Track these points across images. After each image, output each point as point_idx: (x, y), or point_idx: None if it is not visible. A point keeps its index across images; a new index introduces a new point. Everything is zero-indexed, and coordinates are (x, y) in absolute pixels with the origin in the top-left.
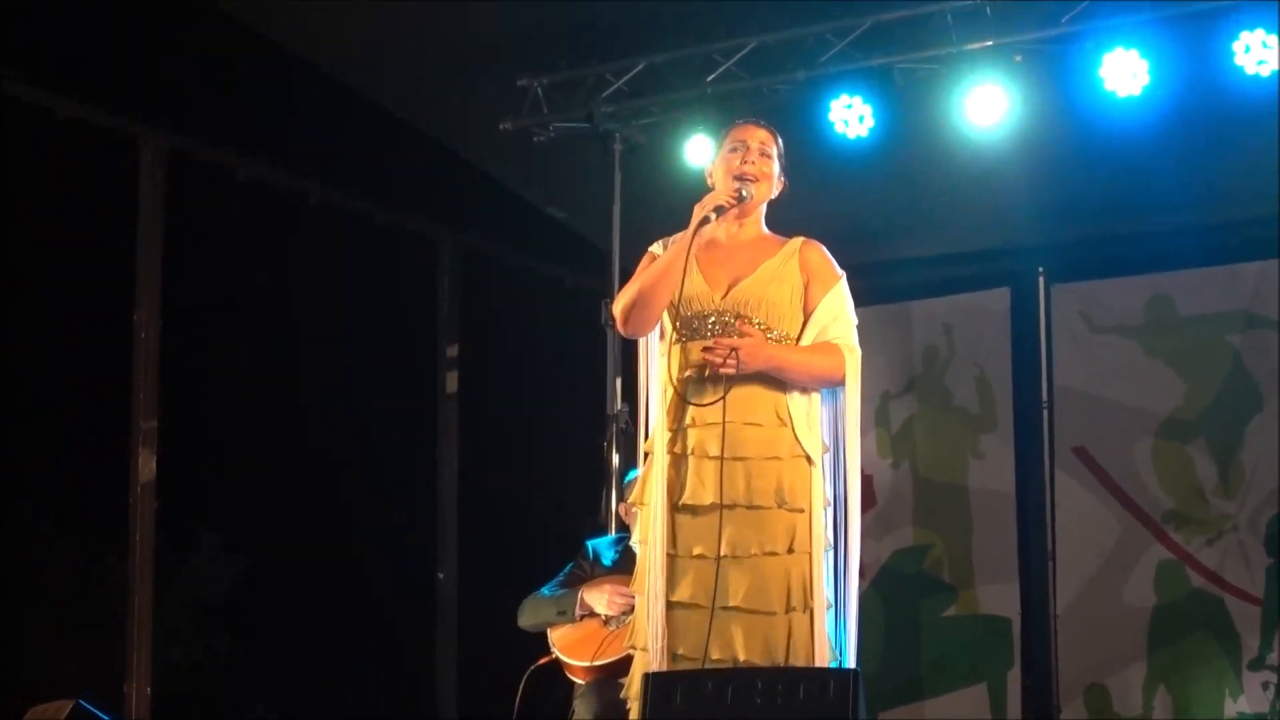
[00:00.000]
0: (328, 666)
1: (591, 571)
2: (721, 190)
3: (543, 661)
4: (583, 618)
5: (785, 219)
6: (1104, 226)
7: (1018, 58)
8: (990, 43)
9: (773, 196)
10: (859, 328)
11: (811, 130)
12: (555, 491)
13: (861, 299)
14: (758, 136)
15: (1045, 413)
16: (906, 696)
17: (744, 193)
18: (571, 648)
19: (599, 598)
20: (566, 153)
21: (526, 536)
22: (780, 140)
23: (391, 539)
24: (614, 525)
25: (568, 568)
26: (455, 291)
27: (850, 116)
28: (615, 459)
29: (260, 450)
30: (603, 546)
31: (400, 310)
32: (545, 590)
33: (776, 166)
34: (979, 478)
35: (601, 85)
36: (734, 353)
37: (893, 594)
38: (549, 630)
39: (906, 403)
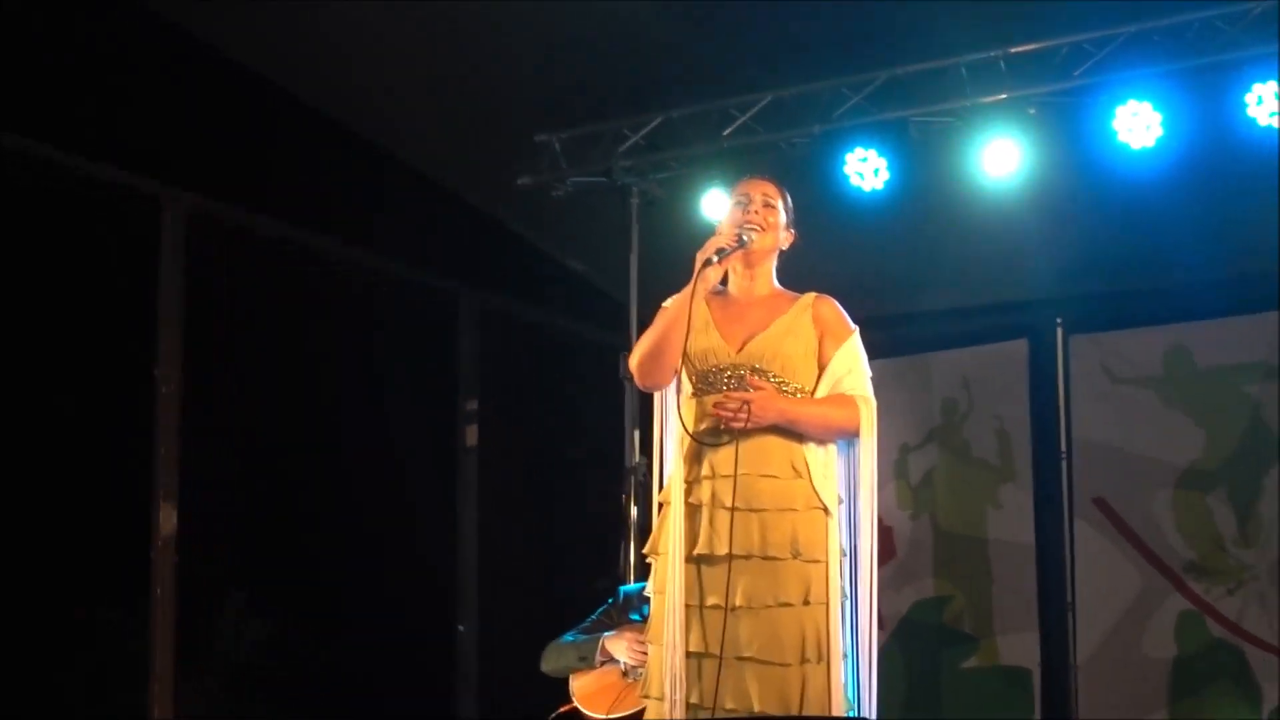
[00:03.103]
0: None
1: (618, 619)
2: (721, 235)
3: (562, 710)
4: (603, 664)
5: (800, 271)
6: (1122, 278)
7: (1032, 110)
8: (1004, 96)
9: (782, 248)
10: (877, 379)
11: (827, 183)
12: (575, 544)
13: (879, 351)
14: (762, 189)
15: (1064, 463)
16: None
17: (744, 237)
18: (590, 698)
19: (620, 645)
20: (585, 207)
21: (546, 588)
22: (787, 194)
23: (412, 591)
24: (633, 578)
25: (597, 612)
26: (474, 345)
27: (866, 169)
28: (634, 511)
29: (280, 505)
30: (634, 595)
31: (420, 365)
32: (570, 635)
33: (783, 218)
34: (998, 529)
35: (619, 140)
36: (745, 406)
37: (913, 645)
38: (570, 678)
39: (926, 454)
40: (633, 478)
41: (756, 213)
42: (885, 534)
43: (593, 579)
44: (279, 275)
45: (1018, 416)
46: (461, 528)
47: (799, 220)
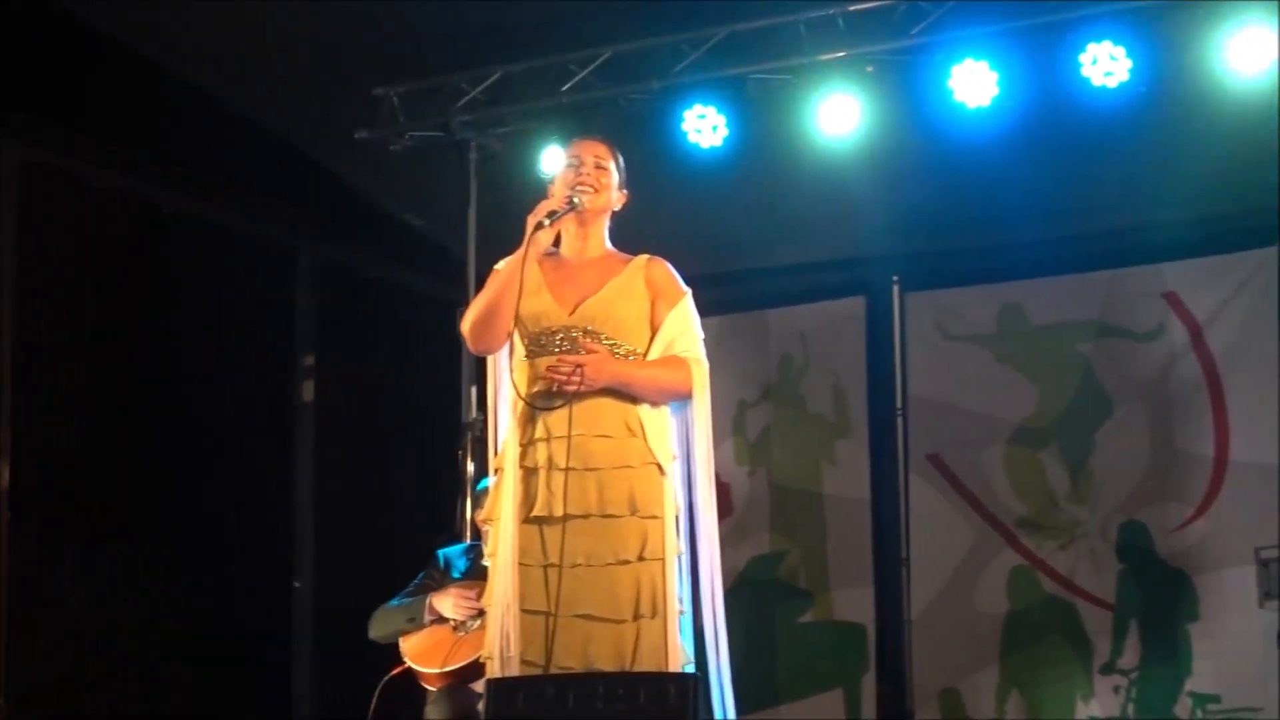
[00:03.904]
0: (184, 678)
1: (442, 581)
2: (553, 198)
3: (396, 671)
4: (432, 623)
5: (638, 228)
6: (957, 236)
7: (869, 68)
8: (843, 53)
9: (614, 209)
10: (714, 337)
11: (665, 140)
12: (411, 500)
13: (716, 309)
14: (593, 150)
15: (900, 420)
16: (763, 702)
17: (576, 199)
18: (422, 656)
19: (446, 602)
20: (424, 162)
21: (383, 545)
22: (619, 155)
23: (248, 548)
24: (469, 534)
25: (419, 577)
26: (312, 300)
27: (704, 126)
28: (470, 467)
29: (116, 460)
30: (454, 556)
31: (257, 319)
32: (394, 601)
33: (615, 179)
34: (834, 484)
35: (457, 94)
36: (579, 370)
37: (749, 601)
38: (400, 640)
39: (763, 411)
40: (469, 434)
41: (588, 174)
42: (722, 490)
43: (432, 534)
44: (113, 228)
45: (854, 373)
46: (298, 484)
47: (638, 177)
